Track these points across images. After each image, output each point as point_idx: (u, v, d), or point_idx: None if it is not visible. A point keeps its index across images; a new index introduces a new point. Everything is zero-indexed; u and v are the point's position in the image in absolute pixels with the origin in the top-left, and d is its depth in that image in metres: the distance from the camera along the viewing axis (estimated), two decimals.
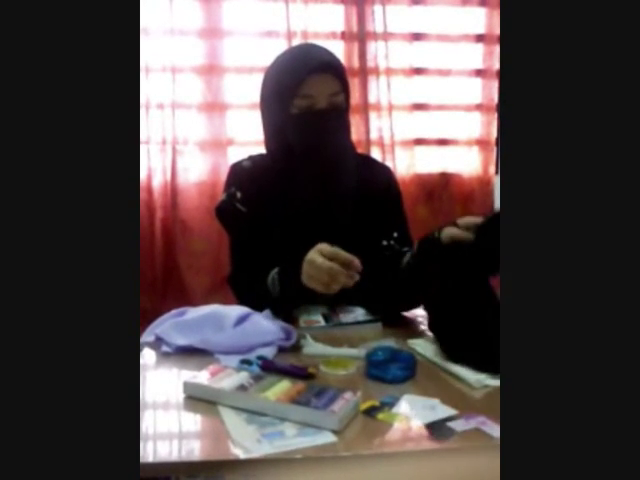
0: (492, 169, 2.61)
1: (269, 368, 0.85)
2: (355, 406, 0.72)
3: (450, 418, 0.71)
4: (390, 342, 0.96)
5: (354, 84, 2.42)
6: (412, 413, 0.72)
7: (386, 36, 2.42)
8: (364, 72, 2.43)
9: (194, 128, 2.38)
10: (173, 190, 2.39)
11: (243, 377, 0.78)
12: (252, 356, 0.89)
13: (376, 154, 2.47)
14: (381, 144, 2.47)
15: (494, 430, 0.68)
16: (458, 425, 0.70)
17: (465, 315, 0.88)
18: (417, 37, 2.49)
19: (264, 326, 0.97)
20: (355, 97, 2.41)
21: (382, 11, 2.41)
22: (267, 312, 1.03)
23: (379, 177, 1.19)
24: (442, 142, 2.58)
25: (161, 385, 0.84)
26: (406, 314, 1.17)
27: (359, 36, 2.42)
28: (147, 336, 0.99)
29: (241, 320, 0.98)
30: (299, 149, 1.05)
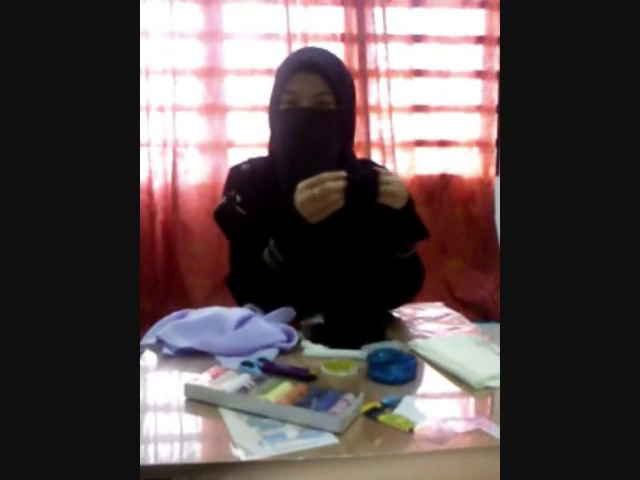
0: (492, 170, 2.61)
1: (270, 370, 0.85)
2: (356, 408, 0.72)
3: (451, 419, 0.71)
4: (391, 343, 0.96)
5: (354, 86, 2.42)
6: (413, 415, 0.72)
7: (386, 38, 2.43)
8: (364, 74, 2.44)
9: (195, 130, 2.38)
10: (174, 192, 2.39)
11: (244, 379, 0.78)
12: (253, 358, 0.89)
13: (376, 156, 2.47)
14: (381, 146, 2.48)
15: (495, 431, 0.68)
16: (459, 426, 0.70)
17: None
18: (417, 39, 2.50)
19: (265, 328, 0.97)
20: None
21: (382, 13, 2.41)
22: (270, 315, 1.03)
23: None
24: (442, 144, 2.59)
25: (162, 387, 0.84)
26: (406, 314, 1.17)
27: (359, 38, 2.42)
28: (148, 338, 0.99)
29: (242, 322, 0.98)
30: (280, 146, 1.05)
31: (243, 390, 0.75)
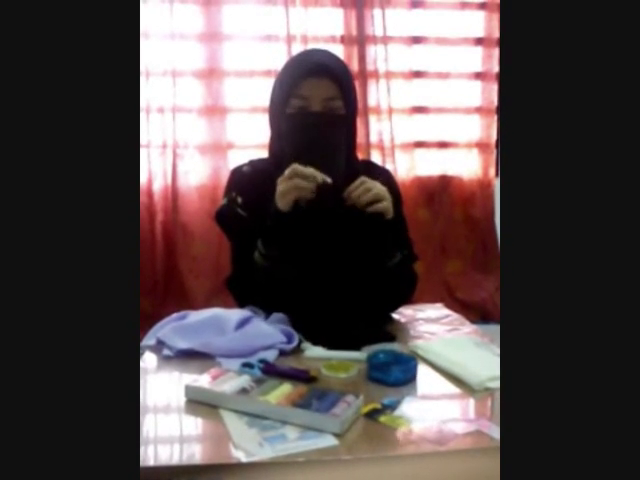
0: (492, 171, 2.61)
1: (270, 371, 0.85)
2: (357, 409, 0.72)
3: (451, 420, 0.71)
4: (391, 345, 0.96)
5: None
6: (413, 416, 0.72)
7: (385, 39, 2.43)
8: (364, 76, 2.44)
9: (194, 132, 2.38)
10: (174, 194, 2.39)
11: (244, 380, 0.78)
12: (253, 359, 0.89)
13: (376, 157, 2.47)
14: (381, 147, 2.48)
15: (495, 432, 0.68)
16: (459, 427, 0.70)
17: None
18: (416, 40, 2.50)
19: (265, 329, 0.97)
20: None
21: (381, 15, 2.41)
22: (273, 317, 1.03)
23: (379, 180, 1.19)
24: (442, 145, 2.59)
25: (162, 389, 0.84)
26: (406, 316, 1.17)
27: (358, 40, 2.43)
28: (148, 340, 0.99)
29: (242, 323, 0.98)
30: (289, 149, 1.05)
31: (243, 391, 0.75)
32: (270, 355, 0.92)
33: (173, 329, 0.98)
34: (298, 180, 0.97)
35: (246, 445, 0.65)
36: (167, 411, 0.77)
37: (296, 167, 0.97)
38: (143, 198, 2.33)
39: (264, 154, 1.23)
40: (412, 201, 2.47)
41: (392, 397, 0.77)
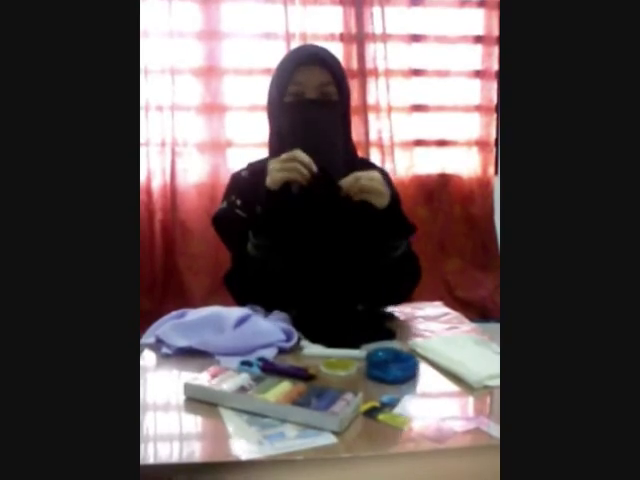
0: (491, 170, 2.61)
1: (269, 369, 0.85)
2: (356, 407, 0.72)
3: (450, 418, 0.71)
4: (390, 343, 0.96)
5: (353, 86, 2.42)
6: (413, 414, 0.72)
7: (385, 37, 2.42)
8: (363, 74, 2.44)
9: (193, 130, 2.38)
10: (172, 192, 2.39)
11: (244, 378, 0.78)
12: (252, 357, 0.89)
13: (375, 155, 2.47)
14: (380, 145, 2.48)
15: (494, 430, 0.68)
16: (458, 426, 0.70)
17: None
18: (416, 38, 2.50)
19: (264, 327, 0.97)
20: (354, 98, 2.41)
21: (381, 12, 2.41)
22: (274, 315, 1.03)
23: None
24: (441, 143, 2.58)
25: (161, 387, 0.84)
26: (405, 314, 1.17)
27: (358, 38, 2.42)
28: (147, 338, 0.99)
29: (241, 321, 0.98)
30: (288, 137, 1.07)
31: (242, 389, 0.75)
32: (269, 353, 0.92)
33: (172, 327, 0.98)
34: (295, 164, 0.99)
35: (245, 443, 0.65)
36: (166, 409, 0.77)
37: (297, 152, 1.00)
38: (142, 196, 2.33)
39: (263, 152, 1.23)
40: (411, 199, 2.47)
41: (391, 395, 0.77)
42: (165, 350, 0.95)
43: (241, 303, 1.10)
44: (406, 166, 2.52)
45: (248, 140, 2.37)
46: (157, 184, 2.37)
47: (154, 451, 0.66)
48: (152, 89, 2.31)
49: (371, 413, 0.72)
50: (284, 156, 1.01)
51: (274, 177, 1.02)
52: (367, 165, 1.27)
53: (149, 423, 0.72)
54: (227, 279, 1.16)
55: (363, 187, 1.00)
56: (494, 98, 2.55)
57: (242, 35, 2.37)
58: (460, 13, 2.50)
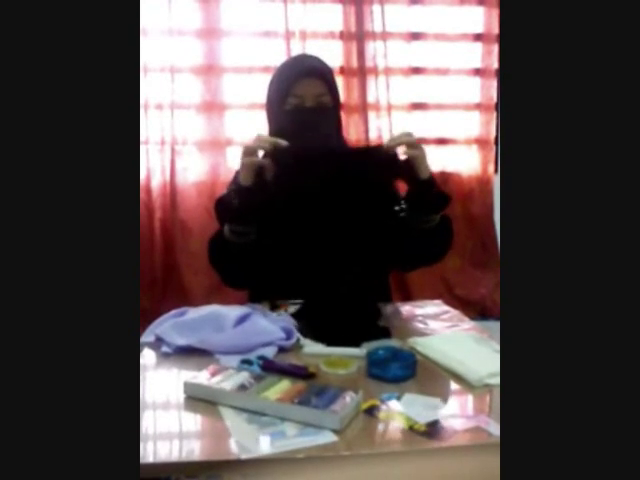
0: (491, 168, 2.61)
1: (269, 368, 0.85)
2: (356, 405, 0.72)
3: (451, 417, 0.71)
4: (390, 341, 0.96)
5: (353, 84, 2.41)
6: (413, 412, 0.72)
7: (384, 36, 2.42)
8: (363, 72, 2.43)
9: (193, 128, 2.37)
10: (172, 190, 2.39)
11: (243, 377, 0.78)
12: (252, 356, 0.89)
13: None
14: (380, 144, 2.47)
15: (494, 428, 0.68)
16: (458, 424, 0.70)
17: None
18: (415, 36, 2.49)
19: (264, 326, 0.97)
20: (354, 97, 2.41)
21: (380, 11, 2.40)
22: (273, 316, 1.03)
23: (375, 155, 1.21)
24: (441, 141, 2.58)
25: (161, 385, 0.84)
26: (405, 312, 1.17)
27: (357, 36, 2.42)
28: (147, 336, 0.99)
29: (241, 320, 0.98)
30: (290, 140, 1.14)
31: (242, 388, 0.75)
32: (269, 352, 0.92)
33: (172, 326, 0.98)
34: (254, 159, 1.08)
35: (245, 441, 0.65)
36: (166, 408, 0.77)
37: (260, 136, 1.09)
38: (141, 195, 2.33)
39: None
40: None
41: (391, 393, 0.77)
42: (165, 349, 0.94)
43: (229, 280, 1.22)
44: None
45: (248, 138, 2.36)
46: (157, 183, 2.37)
47: (154, 450, 0.66)
48: (151, 87, 2.31)
49: (371, 411, 0.72)
50: (246, 148, 1.10)
51: (244, 177, 1.09)
52: (363, 147, 1.39)
53: (149, 422, 0.72)
54: (212, 241, 1.23)
55: (411, 142, 1.09)
56: (494, 96, 2.54)
57: (242, 33, 2.36)
58: (460, 11, 2.50)
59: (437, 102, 2.55)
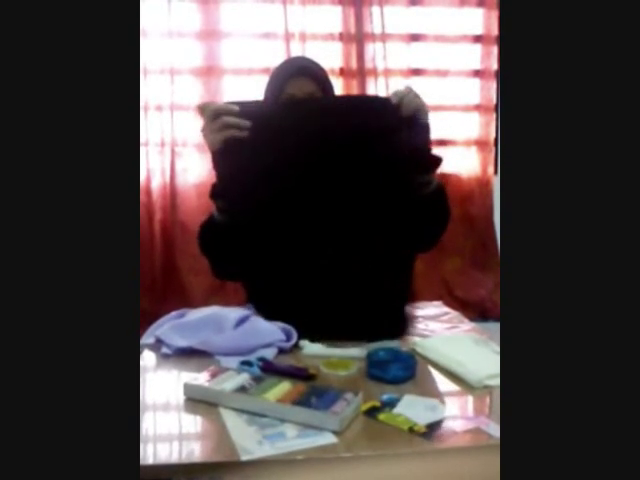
0: (491, 169, 2.61)
1: (269, 369, 0.85)
2: (356, 407, 0.72)
3: (450, 418, 0.71)
4: (390, 342, 0.96)
5: (352, 85, 2.42)
6: (413, 413, 0.72)
7: (384, 37, 2.42)
8: (362, 73, 2.43)
9: (193, 130, 2.37)
10: (172, 192, 2.39)
11: (243, 378, 0.78)
12: (252, 357, 0.89)
13: None
14: None
15: (494, 430, 0.68)
16: (458, 425, 0.70)
17: None
18: (415, 38, 2.49)
19: (264, 327, 0.97)
20: None
21: (380, 12, 2.41)
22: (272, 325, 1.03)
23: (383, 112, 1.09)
24: (440, 143, 2.58)
25: (161, 387, 0.84)
26: (405, 314, 1.17)
27: (357, 37, 2.42)
28: (147, 338, 0.99)
29: (241, 322, 0.98)
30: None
31: (242, 389, 0.75)
32: (269, 353, 0.92)
33: (172, 327, 0.98)
34: (227, 118, 0.98)
35: (245, 443, 0.65)
36: (166, 409, 0.77)
37: (220, 105, 1.00)
38: (141, 196, 2.33)
39: None
40: None
41: (391, 394, 0.77)
42: (165, 350, 0.94)
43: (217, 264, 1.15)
44: None
45: None
46: (157, 184, 2.37)
47: (154, 451, 0.66)
48: (151, 89, 2.31)
49: (371, 413, 0.72)
50: (208, 116, 1.00)
51: (212, 141, 1.01)
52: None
53: (149, 423, 0.72)
54: (201, 227, 1.20)
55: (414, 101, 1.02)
56: (493, 97, 2.55)
57: (241, 35, 2.37)
58: (459, 12, 2.50)
59: (436, 103, 2.55)
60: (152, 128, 2.33)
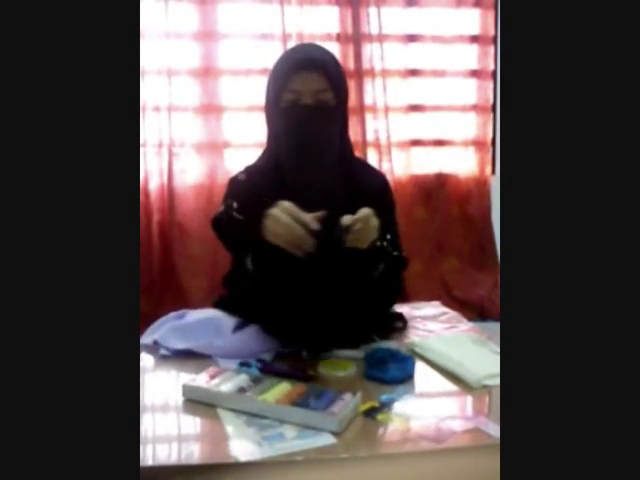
0: (488, 169, 2.61)
1: (268, 370, 0.85)
2: (355, 407, 0.72)
3: (449, 418, 0.71)
4: (388, 343, 0.96)
5: (350, 86, 2.41)
6: (411, 413, 0.72)
7: (381, 38, 2.43)
8: (359, 74, 2.44)
9: (190, 131, 2.37)
10: (170, 193, 2.39)
11: (242, 379, 0.78)
12: (251, 358, 0.89)
13: (372, 155, 2.47)
14: (377, 145, 2.48)
15: (493, 430, 0.68)
16: (457, 425, 0.70)
17: None
18: (412, 39, 2.50)
19: (263, 332, 0.97)
20: (351, 99, 2.40)
21: (377, 13, 2.41)
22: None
23: (374, 182, 1.18)
24: (438, 143, 2.59)
25: (160, 388, 0.84)
26: (403, 313, 1.17)
27: (354, 38, 2.42)
28: (145, 339, 0.99)
29: (240, 326, 0.98)
30: (283, 144, 1.06)
31: (241, 390, 0.75)
32: (267, 354, 0.92)
33: (170, 330, 0.97)
34: (299, 237, 0.87)
35: (244, 444, 0.65)
36: (165, 411, 0.77)
37: (304, 217, 0.88)
38: (140, 197, 2.33)
39: (260, 153, 1.23)
40: (409, 199, 2.47)
41: (390, 395, 0.77)
42: (163, 351, 0.94)
43: (236, 307, 1.07)
44: (403, 166, 2.52)
45: (245, 141, 2.37)
46: (154, 185, 2.37)
47: (153, 453, 0.66)
48: (149, 90, 2.31)
49: (370, 413, 0.72)
50: (286, 218, 0.89)
51: (274, 240, 0.91)
52: (364, 166, 1.26)
53: (148, 425, 0.72)
54: (225, 281, 1.16)
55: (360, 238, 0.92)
56: (490, 97, 2.55)
57: (239, 36, 2.37)
58: (456, 13, 2.51)
59: (434, 104, 2.56)
60: (150, 129, 2.33)
